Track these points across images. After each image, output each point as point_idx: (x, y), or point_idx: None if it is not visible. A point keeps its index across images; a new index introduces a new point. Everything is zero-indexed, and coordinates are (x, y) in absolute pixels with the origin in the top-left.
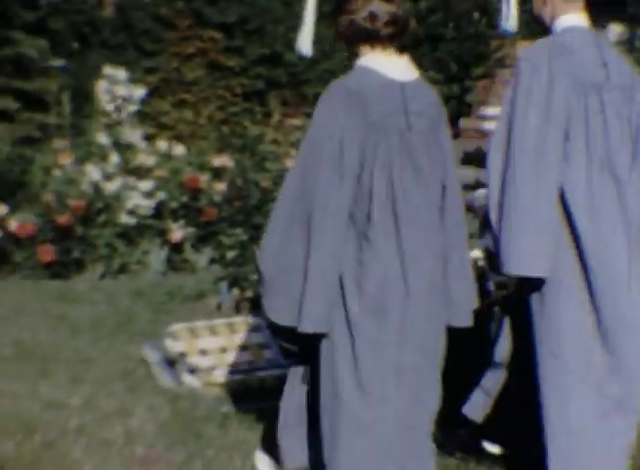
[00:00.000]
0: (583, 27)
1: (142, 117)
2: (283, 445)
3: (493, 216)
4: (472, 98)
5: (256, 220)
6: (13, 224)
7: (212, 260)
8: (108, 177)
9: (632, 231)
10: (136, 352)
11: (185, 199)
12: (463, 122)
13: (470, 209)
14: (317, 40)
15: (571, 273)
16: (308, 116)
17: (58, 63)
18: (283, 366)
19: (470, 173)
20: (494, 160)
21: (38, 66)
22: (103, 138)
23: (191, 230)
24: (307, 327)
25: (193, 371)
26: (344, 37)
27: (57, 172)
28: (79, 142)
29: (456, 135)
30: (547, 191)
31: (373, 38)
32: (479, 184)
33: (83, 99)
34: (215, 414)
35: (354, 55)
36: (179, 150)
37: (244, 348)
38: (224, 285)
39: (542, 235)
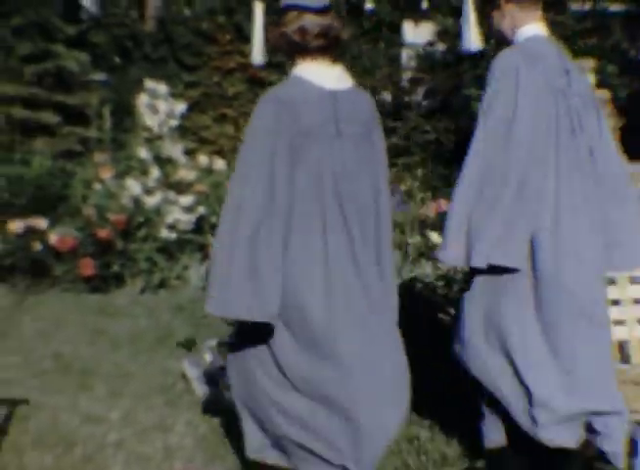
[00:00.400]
0: (544, 36)
1: (183, 131)
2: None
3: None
4: None
5: None
6: (53, 238)
7: None
8: (148, 192)
9: (599, 231)
10: (176, 367)
11: None
12: None
13: None
14: (357, 56)
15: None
16: None
17: (99, 76)
18: None
19: None
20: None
21: (79, 79)
22: (143, 152)
23: None
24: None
25: None
26: (278, 49)
27: (97, 186)
28: (120, 156)
29: None
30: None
31: (303, 50)
32: None
33: (124, 113)
34: None
35: (292, 65)
36: (220, 164)
37: None
38: None
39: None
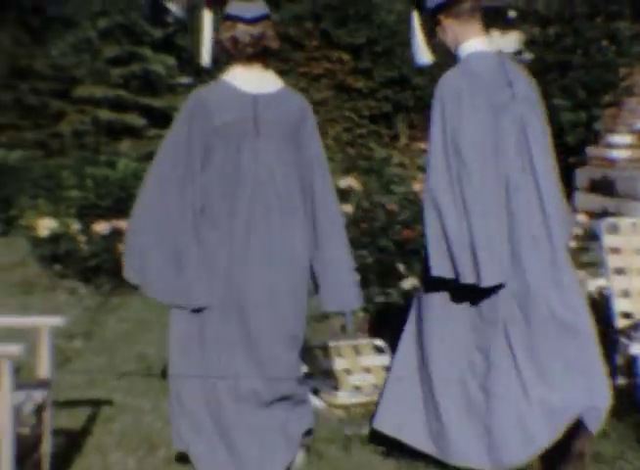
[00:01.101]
0: (486, 51)
1: None
2: None
3: None
4: (599, 126)
5: (382, 243)
6: None
7: None
8: None
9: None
10: None
11: None
12: (590, 150)
13: (594, 236)
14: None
15: None
16: None
17: (185, 80)
18: None
19: (596, 200)
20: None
21: (165, 82)
22: None
23: None
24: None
25: (316, 392)
26: (218, 55)
27: None
28: None
29: (583, 163)
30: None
31: (235, 57)
32: (605, 212)
33: None
34: (339, 436)
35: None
36: None
37: (367, 370)
38: None
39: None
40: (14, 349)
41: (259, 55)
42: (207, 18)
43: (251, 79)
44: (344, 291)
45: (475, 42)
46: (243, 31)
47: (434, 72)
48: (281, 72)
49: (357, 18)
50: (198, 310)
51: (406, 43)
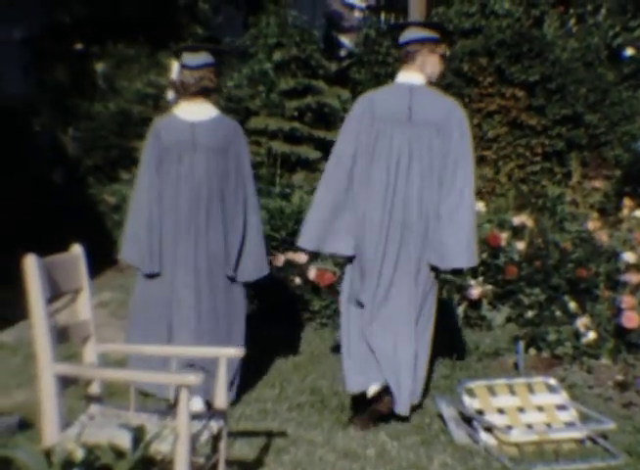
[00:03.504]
0: (403, 82)
1: None
2: None
3: None
4: None
5: (554, 281)
6: (312, 272)
7: (509, 319)
8: None
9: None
10: (432, 406)
11: (485, 256)
12: None
13: None
14: (618, 103)
15: None
16: (608, 178)
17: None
18: (579, 430)
19: None
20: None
21: (340, 116)
22: None
23: (489, 287)
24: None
25: (489, 429)
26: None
27: None
28: None
29: None
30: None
31: (182, 95)
32: None
33: None
34: None
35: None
36: (479, 206)
37: (540, 408)
38: (520, 344)
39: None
40: (192, 377)
41: (199, 92)
42: (174, 65)
43: (192, 110)
44: (253, 264)
45: (400, 75)
46: (187, 75)
47: (606, 111)
48: None
49: (531, 55)
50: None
51: (580, 81)
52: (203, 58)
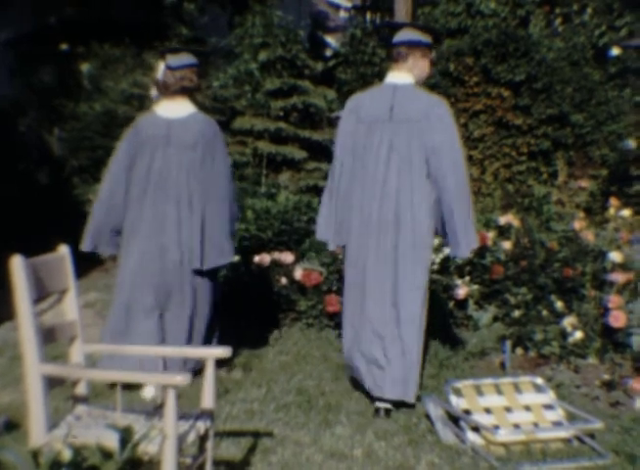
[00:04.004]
0: (389, 82)
1: None
2: None
3: None
4: None
5: (541, 281)
6: (298, 273)
7: (495, 318)
8: None
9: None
10: (419, 406)
11: (471, 255)
12: None
13: None
14: (604, 102)
15: None
16: (594, 178)
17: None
18: (567, 429)
19: None
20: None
21: (325, 116)
22: None
23: (475, 287)
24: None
25: (476, 429)
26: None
27: None
28: None
29: None
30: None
31: (163, 93)
32: None
33: None
34: None
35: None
36: None
37: (527, 408)
38: (507, 344)
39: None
40: (179, 378)
41: (179, 91)
42: (160, 66)
43: (171, 108)
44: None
45: (389, 75)
46: (169, 76)
47: (593, 110)
48: None
49: (517, 54)
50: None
51: (566, 80)
52: (184, 59)
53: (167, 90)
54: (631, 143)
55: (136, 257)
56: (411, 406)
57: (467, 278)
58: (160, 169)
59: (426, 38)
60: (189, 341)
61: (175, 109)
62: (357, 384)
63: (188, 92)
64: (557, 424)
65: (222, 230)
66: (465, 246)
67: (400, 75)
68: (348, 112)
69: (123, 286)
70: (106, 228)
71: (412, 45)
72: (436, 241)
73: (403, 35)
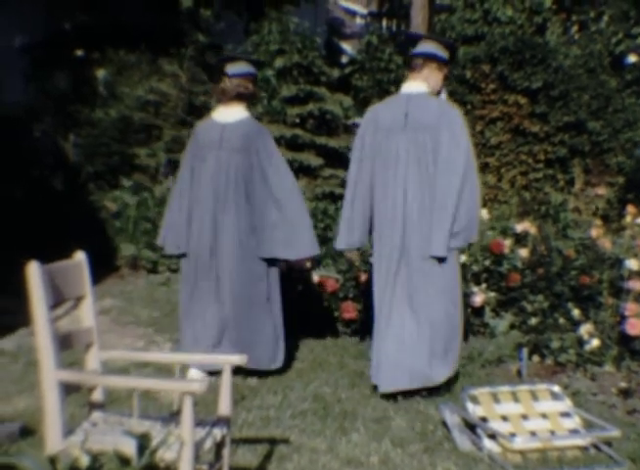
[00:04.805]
0: (404, 92)
1: None
2: None
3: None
4: None
5: (558, 288)
6: (315, 279)
7: (512, 326)
8: None
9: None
10: (435, 414)
11: (488, 263)
12: None
13: None
14: (621, 110)
15: None
16: (611, 185)
17: (360, 120)
18: (583, 437)
19: None
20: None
21: (341, 123)
22: None
23: (492, 295)
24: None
25: (493, 436)
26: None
27: None
28: None
29: None
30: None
31: (220, 100)
32: None
33: None
34: None
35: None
36: (482, 213)
37: (543, 416)
38: (524, 351)
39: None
40: (197, 385)
41: (235, 98)
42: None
43: (226, 113)
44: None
45: (406, 85)
46: (226, 82)
47: (609, 118)
48: None
49: (534, 61)
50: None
51: (582, 88)
52: (241, 67)
53: (225, 97)
54: None
55: (191, 258)
56: (426, 414)
57: (483, 285)
58: (213, 172)
59: (443, 53)
60: None
61: (230, 114)
62: (374, 391)
63: (243, 99)
64: (574, 432)
65: (292, 216)
66: (436, 246)
67: (415, 85)
68: (367, 122)
69: (185, 279)
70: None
71: (428, 57)
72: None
73: (422, 47)
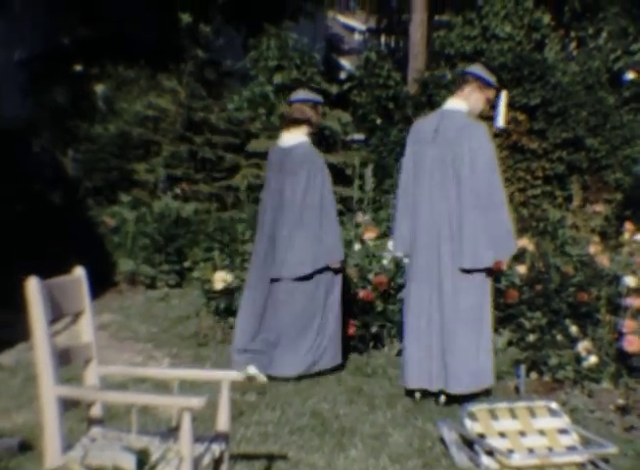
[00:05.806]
0: (442, 108)
1: None
2: None
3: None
4: None
5: (556, 305)
6: None
7: (510, 343)
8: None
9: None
10: (433, 430)
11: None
12: None
13: None
14: (619, 126)
15: None
16: (609, 202)
17: (359, 136)
18: (581, 453)
19: None
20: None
21: (340, 139)
22: None
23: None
24: None
25: (490, 453)
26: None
27: (357, 246)
28: (379, 217)
29: None
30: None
31: (284, 125)
32: None
33: (384, 174)
34: None
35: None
36: None
37: (541, 432)
38: (522, 368)
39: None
40: (195, 401)
41: (292, 122)
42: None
43: (286, 138)
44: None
45: (447, 103)
46: (287, 109)
47: (607, 134)
48: None
49: (532, 78)
50: None
51: (580, 104)
52: (300, 94)
53: (284, 121)
54: None
55: (253, 268)
56: (424, 431)
57: None
58: (274, 192)
59: (489, 77)
60: None
61: (289, 138)
62: (372, 407)
63: (300, 123)
64: (571, 448)
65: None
66: (468, 258)
67: (453, 102)
68: (410, 133)
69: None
70: None
71: (474, 76)
72: None
73: (470, 68)
